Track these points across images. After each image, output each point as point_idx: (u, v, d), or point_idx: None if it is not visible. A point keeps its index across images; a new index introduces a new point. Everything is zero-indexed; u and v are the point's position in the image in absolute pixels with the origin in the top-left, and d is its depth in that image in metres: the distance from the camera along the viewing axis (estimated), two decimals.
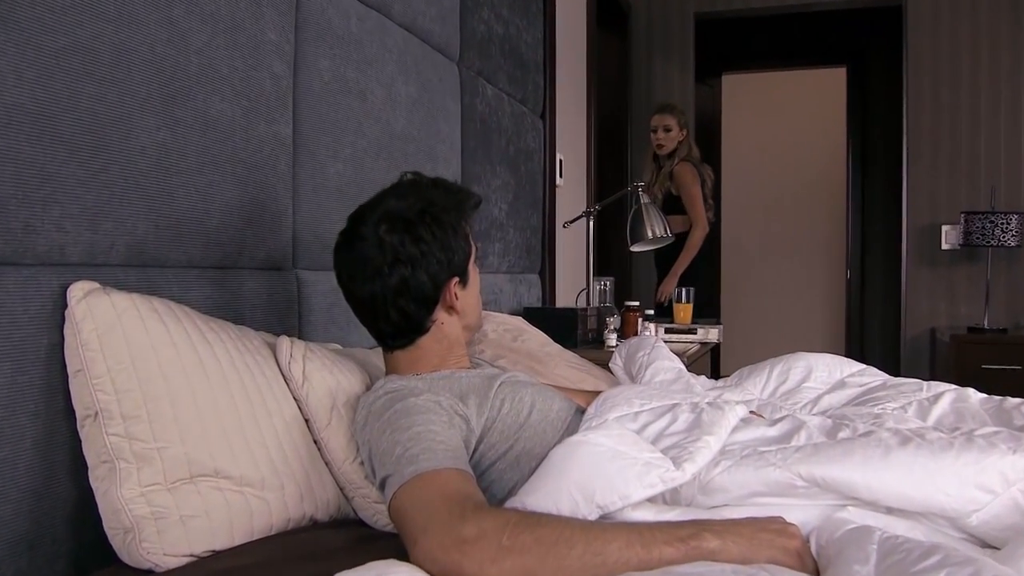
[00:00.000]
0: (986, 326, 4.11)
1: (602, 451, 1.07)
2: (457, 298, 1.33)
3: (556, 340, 2.58)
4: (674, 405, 1.28)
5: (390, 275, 1.26)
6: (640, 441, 1.14)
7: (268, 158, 1.53)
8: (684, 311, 3.16)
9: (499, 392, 1.28)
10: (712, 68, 5.67)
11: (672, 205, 3.99)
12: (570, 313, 2.70)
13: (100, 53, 1.14)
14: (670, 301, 3.74)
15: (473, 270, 1.39)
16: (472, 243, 1.37)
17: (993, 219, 4.02)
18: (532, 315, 2.74)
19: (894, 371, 4.56)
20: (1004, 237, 4.00)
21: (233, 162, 1.43)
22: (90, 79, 1.13)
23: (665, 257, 4.00)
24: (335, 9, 1.74)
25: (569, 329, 2.68)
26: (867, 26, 5.50)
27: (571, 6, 3.64)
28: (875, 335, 5.59)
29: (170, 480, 1.05)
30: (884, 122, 5.40)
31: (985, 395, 1.61)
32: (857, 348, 5.66)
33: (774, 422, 1.28)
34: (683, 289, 3.21)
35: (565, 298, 3.49)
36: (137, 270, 1.25)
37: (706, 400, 1.32)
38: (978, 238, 4.05)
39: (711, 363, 3.80)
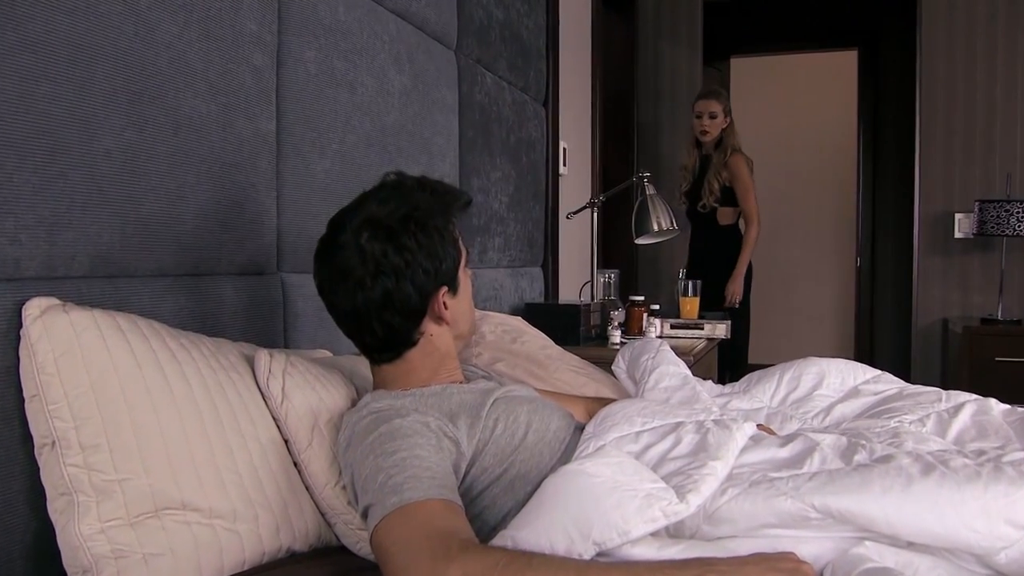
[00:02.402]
0: (1000, 317, 4.01)
1: (599, 482, 0.99)
2: (447, 308, 1.24)
3: (559, 336, 2.50)
4: (678, 424, 1.20)
5: (373, 287, 1.17)
6: (641, 469, 1.06)
7: (248, 156, 1.44)
8: (690, 305, 3.05)
9: (492, 411, 1.20)
10: (720, 51, 5.54)
11: (725, 197, 3.87)
12: (572, 309, 2.61)
13: (55, 49, 1.05)
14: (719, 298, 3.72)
15: (464, 276, 1.30)
16: (462, 247, 1.29)
17: (1008, 207, 3.91)
18: (534, 311, 2.67)
19: (905, 363, 4.50)
20: (1019, 226, 3.89)
21: (209, 162, 1.35)
22: (44, 78, 1.04)
23: (698, 250, 3.94)
24: None
25: (572, 325, 2.59)
26: (879, 8, 5.36)
27: None
28: (886, 325, 5.49)
29: (132, 515, 0.97)
30: (896, 106, 5.27)
31: (1008, 406, 1.52)
32: (867, 338, 5.56)
33: (785, 441, 1.20)
34: (689, 282, 3.11)
35: (569, 291, 3.41)
36: (103, 281, 1.16)
37: (712, 417, 1.24)
38: (992, 227, 3.94)
39: (719, 355, 3.68)
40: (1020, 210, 3.88)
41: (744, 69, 6.05)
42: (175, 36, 1.26)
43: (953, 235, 4.27)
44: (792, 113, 6.41)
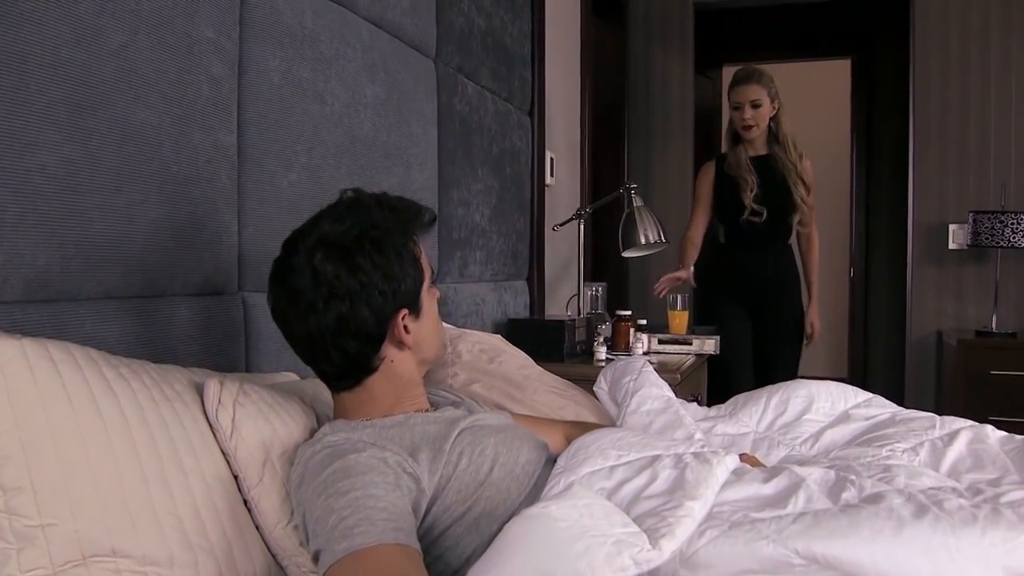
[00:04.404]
0: (994, 329, 3.95)
1: (563, 527, 0.92)
2: (408, 332, 1.17)
3: (542, 353, 2.43)
4: (655, 458, 1.13)
5: (326, 311, 1.10)
6: (611, 511, 0.99)
7: (205, 170, 1.37)
8: (679, 319, 2.95)
9: (457, 443, 1.13)
10: (712, 59, 5.48)
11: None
12: (556, 325, 2.54)
13: None
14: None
15: (428, 297, 1.22)
16: (425, 266, 1.21)
17: (1003, 219, 3.85)
18: (517, 326, 2.60)
19: (899, 375, 4.43)
20: (1014, 238, 3.83)
21: (161, 177, 1.27)
22: None
23: (770, 273, 3.13)
24: (286, 3, 1.57)
25: (556, 341, 2.52)
26: (873, 16, 5.31)
27: None
28: (879, 337, 5.41)
29: (57, 564, 0.89)
30: (890, 116, 5.21)
31: (1005, 434, 1.45)
32: (860, 350, 5.50)
33: (769, 476, 1.13)
34: (678, 295, 3.00)
35: (556, 304, 3.34)
36: (39, 306, 1.09)
37: (692, 450, 1.17)
38: (987, 238, 3.88)
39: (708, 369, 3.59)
40: (1015, 221, 3.83)
41: None
42: (122, 44, 1.18)
43: (947, 246, 4.21)
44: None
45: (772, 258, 3.14)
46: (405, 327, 1.16)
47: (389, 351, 1.17)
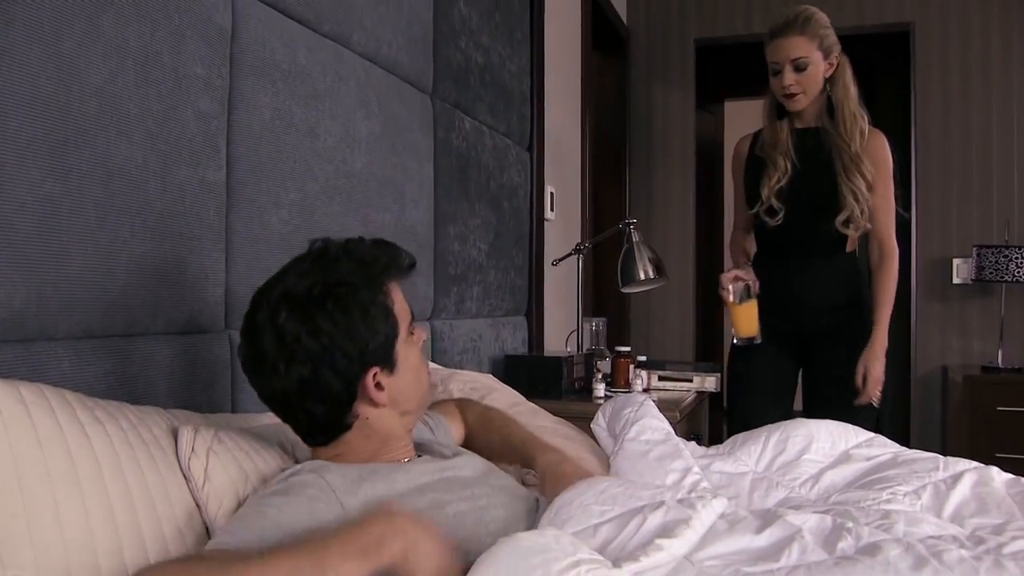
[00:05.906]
0: (1000, 365, 3.90)
1: (528, 546, 0.89)
2: (382, 388, 1.11)
3: (540, 390, 2.40)
4: (641, 508, 1.09)
5: (287, 374, 1.06)
6: (581, 546, 0.95)
7: (191, 207, 1.35)
8: (742, 316, 2.27)
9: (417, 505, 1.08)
10: (714, 94, 5.49)
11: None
12: (554, 361, 2.51)
13: None
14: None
15: (407, 346, 1.16)
16: (401, 315, 1.15)
17: (1007, 253, 3.83)
18: (514, 363, 2.57)
19: (904, 411, 4.37)
20: (1019, 272, 3.81)
21: (145, 214, 1.25)
22: None
23: (803, 293, 2.38)
24: (279, 40, 1.56)
25: (554, 378, 2.49)
26: (874, 51, 5.33)
27: (564, 32, 3.48)
28: (884, 373, 5.35)
29: None
30: (892, 150, 5.20)
31: (1011, 476, 1.41)
32: None
33: (763, 525, 1.09)
34: (741, 283, 2.27)
35: (556, 339, 3.30)
36: (14, 346, 1.06)
37: (677, 497, 1.13)
38: (991, 273, 3.86)
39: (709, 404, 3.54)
40: (1019, 255, 3.81)
41: (739, 112, 5.99)
42: (106, 80, 1.17)
43: (951, 280, 4.18)
44: None
45: (813, 273, 2.35)
46: (378, 384, 1.11)
47: (362, 409, 1.11)
